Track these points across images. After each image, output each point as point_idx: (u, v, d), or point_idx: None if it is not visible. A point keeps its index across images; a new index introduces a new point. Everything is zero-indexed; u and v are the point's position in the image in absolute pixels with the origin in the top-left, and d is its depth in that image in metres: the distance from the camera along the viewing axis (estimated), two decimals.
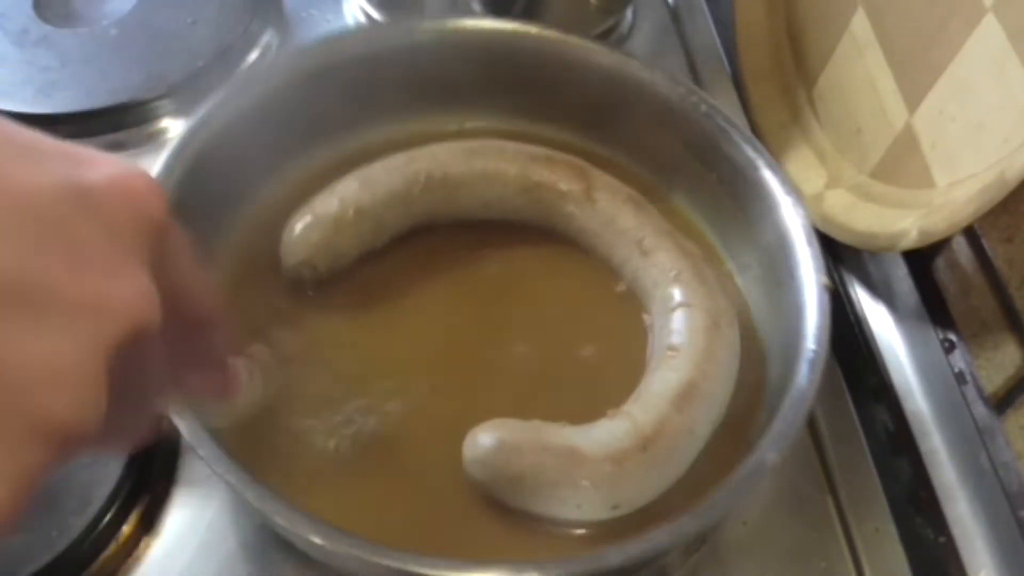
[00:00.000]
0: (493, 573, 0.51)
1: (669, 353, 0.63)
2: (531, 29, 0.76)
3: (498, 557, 0.52)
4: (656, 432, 0.59)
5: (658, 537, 0.52)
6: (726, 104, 0.73)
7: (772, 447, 0.56)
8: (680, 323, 0.64)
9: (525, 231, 0.74)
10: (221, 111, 0.69)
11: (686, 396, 0.60)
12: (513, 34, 0.76)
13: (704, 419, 0.61)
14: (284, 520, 0.52)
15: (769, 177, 0.68)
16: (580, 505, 0.58)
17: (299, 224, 0.68)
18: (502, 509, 0.60)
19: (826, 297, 0.62)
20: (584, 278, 0.72)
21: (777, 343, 0.66)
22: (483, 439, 0.59)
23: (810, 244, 0.64)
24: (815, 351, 0.59)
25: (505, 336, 0.69)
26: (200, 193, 0.66)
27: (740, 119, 0.83)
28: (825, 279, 0.63)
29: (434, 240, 0.73)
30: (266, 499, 0.52)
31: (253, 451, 0.61)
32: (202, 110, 0.68)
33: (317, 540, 0.51)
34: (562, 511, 0.59)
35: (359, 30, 0.74)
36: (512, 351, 0.69)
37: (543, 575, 0.50)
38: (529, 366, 0.68)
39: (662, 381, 0.62)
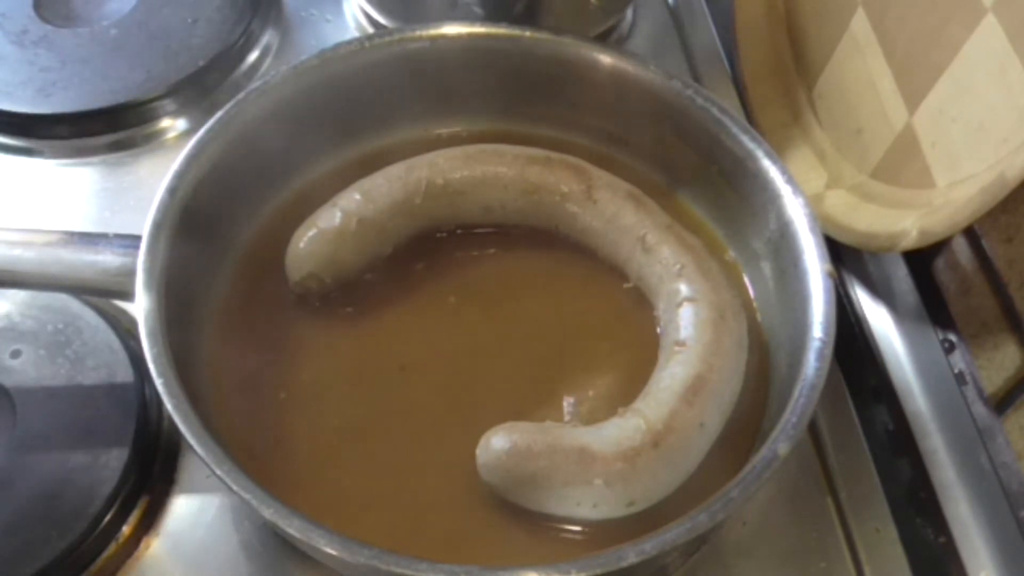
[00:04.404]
0: None
1: (676, 348, 0.64)
2: (525, 32, 0.76)
3: (507, 561, 0.52)
4: (667, 427, 0.59)
5: (674, 533, 0.52)
6: (726, 104, 0.73)
7: (783, 438, 0.56)
8: (686, 317, 0.65)
9: (529, 235, 0.74)
10: (221, 131, 0.69)
11: (695, 390, 0.60)
12: (507, 37, 0.76)
13: (714, 412, 0.61)
14: (295, 530, 0.52)
15: (769, 167, 0.68)
16: (596, 504, 0.58)
17: (303, 238, 0.68)
18: (511, 512, 0.60)
19: (831, 285, 0.62)
20: (591, 278, 0.73)
21: (784, 333, 0.67)
22: (496, 442, 0.59)
23: (812, 232, 0.65)
24: (822, 340, 0.60)
25: (514, 339, 0.70)
26: (205, 210, 0.67)
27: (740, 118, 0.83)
28: (828, 266, 0.63)
29: (438, 247, 0.73)
30: (270, 504, 0.52)
31: (255, 453, 0.61)
32: (201, 131, 0.68)
33: (330, 550, 0.51)
34: (578, 511, 0.59)
35: (353, 42, 0.74)
36: (521, 353, 0.69)
37: None
38: (539, 367, 0.68)
39: (670, 376, 0.62)
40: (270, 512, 0.52)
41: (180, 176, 0.65)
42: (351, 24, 0.94)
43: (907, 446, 0.69)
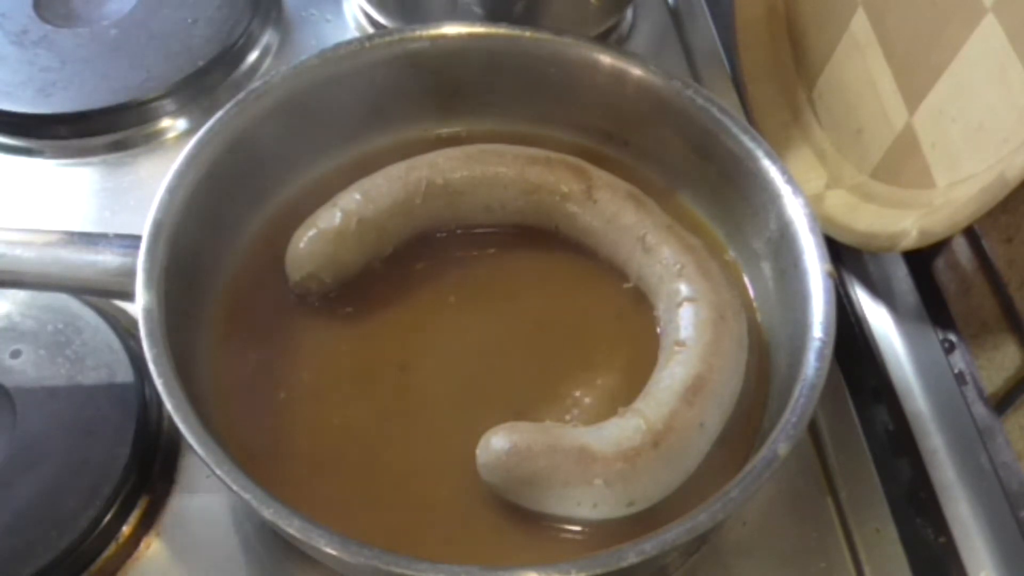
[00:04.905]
0: None
1: (676, 348, 0.64)
2: (525, 32, 0.76)
3: (507, 561, 0.52)
4: (667, 427, 0.59)
5: (674, 533, 0.52)
6: (726, 104, 0.73)
7: (783, 439, 0.56)
8: (686, 317, 0.65)
9: (529, 235, 0.74)
10: (221, 131, 0.69)
11: (695, 390, 0.60)
12: (507, 37, 0.76)
13: (714, 412, 0.61)
14: (295, 530, 0.51)
15: (768, 167, 0.68)
16: (596, 504, 0.58)
17: (303, 238, 0.68)
18: (511, 511, 0.60)
19: (831, 285, 0.62)
20: (591, 278, 0.73)
21: (784, 333, 0.67)
22: (496, 443, 0.59)
23: (812, 232, 0.65)
24: (822, 340, 0.60)
25: (514, 339, 0.70)
26: (205, 210, 0.67)
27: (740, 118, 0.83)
28: (828, 266, 0.63)
29: (438, 247, 0.73)
30: (270, 504, 0.52)
31: (255, 453, 0.61)
32: (201, 131, 0.68)
33: (330, 550, 0.51)
34: (578, 511, 0.59)
35: (353, 42, 0.75)
36: (521, 353, 0.69)
37: None
38: (539, 367, 0.68)
39: (670, 376, 0.62)
40: (270, 512, 0.52)
41: (180, 176, 0.65)
42: (351, 24, 0.94)
43: (907, 446, 0.69)
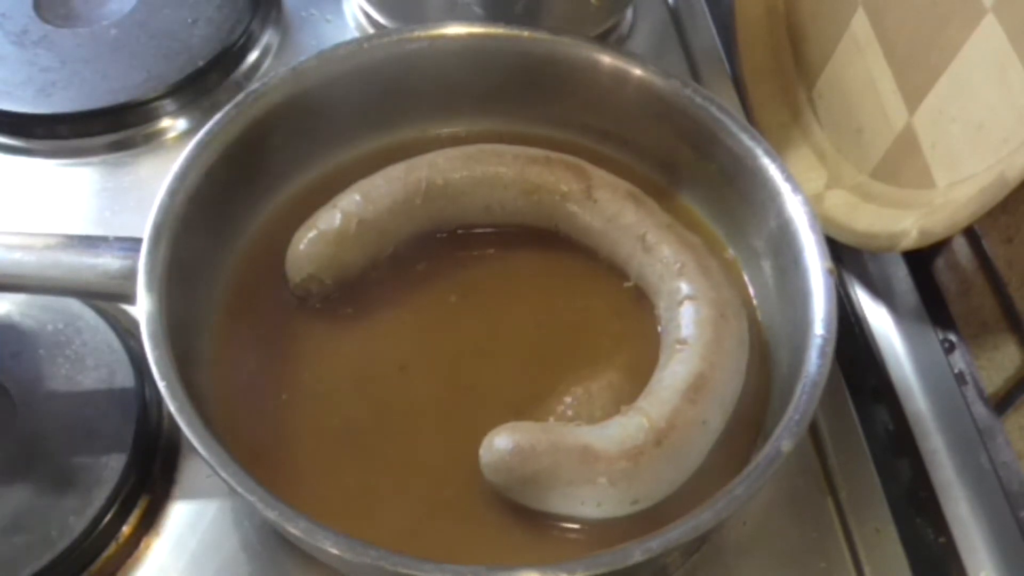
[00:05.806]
0: None
1: (678, 346, 0.64)
2: (524, 32, 0.76)
3: (511, 560, 0.52)
4: (669, 425, 0.59)
5: (679, 531, 0.53)
6: (725, 103, 0.73)
7: (786, 435, 0.56)
8: (687, 316, 0.65)
9: (529, 235, 0.74)
10: (221, 132, 0.69)
11: (696, 388, 0.61)
12: (507, 37, 0.76)
13: (716, 410, 0.61)
14: (300, 531, 0.52)
15: (768, 165, 0.69)
16: (600, 503, 0.58)
17: (303, 240, 0.68)
18: (514, 511, 0.60)
19: (831, 282, 0.62)
20: (591, 278, 0.73)
21: (784, 331, 0.67)
22: (499, 442, 0.59)
23: (812, 230, 0.65)
24: (823, 337, 0.60)
25: (515, 338, 0.70)
26: (205, 212, 0.67)
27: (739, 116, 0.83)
28: (829, 263, 0.63)
29: (438, 247, 0.73)
30: (274, 505, 0.52)
31: (257, 454, 0.61)
32: (201, 132, 0.68)
33: (335, 551, 0.51)
34: (582, 510, 0.59)
35: (353, 42, 0.75)
36: (522, 353, 0.69)
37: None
38: (540, 367, 0.68)
39: (672, 375, 0.62)
40: (274, 513, 0.52)
41: (180, 178, 0.65)
42: (351, 24, 0.94)
43: (907, 446, 0.69)
